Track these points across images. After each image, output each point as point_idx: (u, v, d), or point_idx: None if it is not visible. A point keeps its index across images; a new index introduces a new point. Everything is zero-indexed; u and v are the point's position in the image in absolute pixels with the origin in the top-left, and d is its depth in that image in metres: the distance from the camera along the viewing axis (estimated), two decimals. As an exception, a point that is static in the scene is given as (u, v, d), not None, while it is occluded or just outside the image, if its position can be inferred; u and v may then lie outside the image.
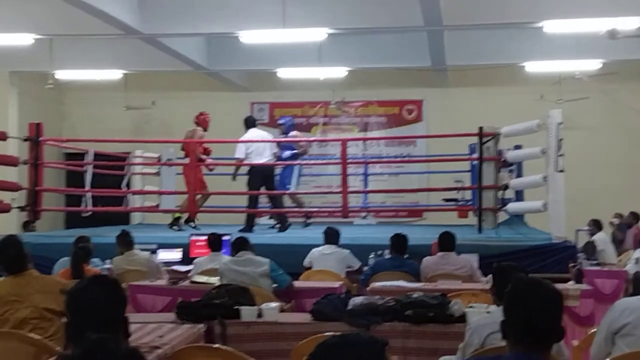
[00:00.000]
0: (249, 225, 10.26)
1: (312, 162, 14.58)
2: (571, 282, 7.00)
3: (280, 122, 11.79)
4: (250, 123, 10.81)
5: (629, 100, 14.68)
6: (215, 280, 6.62)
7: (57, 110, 15.86)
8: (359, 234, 10.17)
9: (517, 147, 10.50)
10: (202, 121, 10.86)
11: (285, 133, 11.35)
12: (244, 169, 10.67)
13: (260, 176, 10.42)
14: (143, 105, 15.67)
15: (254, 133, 10.66)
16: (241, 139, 10.56)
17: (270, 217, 11.39)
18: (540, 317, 2.63)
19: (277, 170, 11.18)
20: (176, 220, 10.80)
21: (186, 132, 10.86)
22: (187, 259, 8.35)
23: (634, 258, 9.27)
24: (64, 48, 12.31)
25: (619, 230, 12.20)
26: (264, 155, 10.39)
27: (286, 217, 10.77)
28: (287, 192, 11.16)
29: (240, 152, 10.39)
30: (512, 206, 9.80)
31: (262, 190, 10.50)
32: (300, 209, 11.55)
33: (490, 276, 5.33)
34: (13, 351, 4.08)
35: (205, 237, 7.96)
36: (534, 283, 2.77)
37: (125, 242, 7.80)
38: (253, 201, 10.58)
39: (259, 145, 10.39)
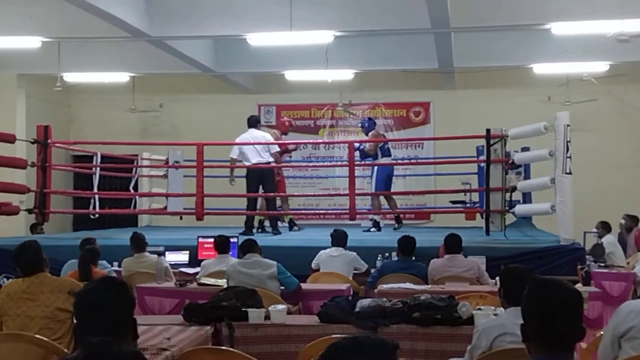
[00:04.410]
0: (248, 228, 10.30)
1: (319, 164, 14.62)
2: (579, 285, 6.98)
3: (361, 124, 11.91)
4: (251, 123, 10.82)
5: (637, 102, 14.62)
6: (222, 282, 6.63)
7: (64, 112, 15.90)
8: (366, 236, 10.18)
9: (525, 149, 10.49)
10: (280, 124, 11.44)
11: (366, 134, 11.36)
12: (239, 172, 10.73)
13: (255, 177, 10.47)
14: (150, 108, 15.70)
15: (249, 134, 10.64)
16: (238, 139, 10.65)
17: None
18: (562, 318, 2.59)
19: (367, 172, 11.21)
20: (292, 222, 11.31)
21: None
22: (194, 261, 8.37)
23: (643, 260, 9.24)
24: (72, 51, 12.34)
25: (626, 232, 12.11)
26: (261, 156, 10.42)
27: (278, 221, 10.93)
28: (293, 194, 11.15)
29: (233, 152, 10.55)
30: (520, 208, 9.77)
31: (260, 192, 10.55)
32: (394, 211, 11.56)
33: (497, 278, 5.33)
34: (21, 352, 4.10)
35: (212, 240, 7.98)
36: (553, 284, 2.72)
37: (138, 244, 7.83)
38: (250, 204, 10.64)
39: (253, 146, 10.43)
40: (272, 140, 10.71)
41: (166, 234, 10.26)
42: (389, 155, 11.39)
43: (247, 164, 10.46)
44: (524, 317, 2.68)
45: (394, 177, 11.51)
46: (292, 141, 11.95)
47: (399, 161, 15.07)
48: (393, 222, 11.57)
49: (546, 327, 2.60)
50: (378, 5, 10.49)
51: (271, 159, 10.53)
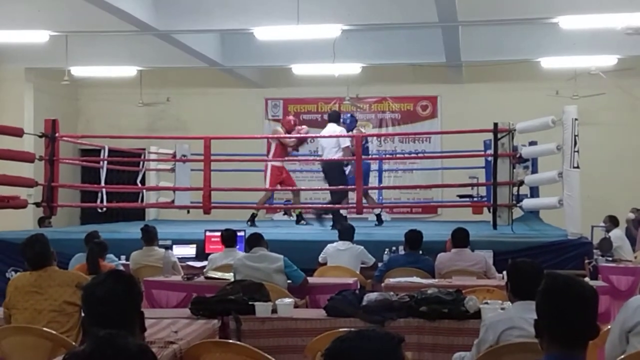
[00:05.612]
0: (337, 220, 10.14)
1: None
2: (586, 279, 6.96)
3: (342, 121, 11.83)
4: (330, 118, 10.86)
5: (645, 96, 14.58)
6: (229, 276, 6.64)
7: (72, 106, 15.93)
8: (373, 230, 10.18)
9: (532, 143, 10.45)
10: (285, 122, 11.40)
11: (348, 131, 11.36)
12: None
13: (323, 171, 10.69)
14: (158, 102, 15.72)
15: (327, 128, 10.70)
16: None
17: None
18: (576, 315, 2.59)
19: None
20: (300, 217, 11.27)
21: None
22: (202, 255, 8.39)
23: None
24: (80, 45, 12.36)
25: (634, 226, 12.08)
26: (325, 154, 10.53)
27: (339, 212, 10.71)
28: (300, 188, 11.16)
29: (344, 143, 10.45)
30: (527, 202, 9.75)
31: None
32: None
33: (504, 272, 5.32)
34: (30, 345, 4.12)
35: (219, 233, 7.99)
36: (569, 280, 2.71)
37: (149, 237, 7.85)
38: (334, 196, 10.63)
39: (327, 142, 10.51)
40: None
41: (173, 228, 10.27)
42: (367, 154, 11.41)
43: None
44: (538, 312, 2.67)
45: (384, 173, 11.45)
46: (304, 135, 11.90)
47: (407, 155, 15.09)
48: (397, 217, 11.58)
49: (560, 323, 2.59)
50: (385, -1, 10.49)
51: (336, 156, 10.39)
